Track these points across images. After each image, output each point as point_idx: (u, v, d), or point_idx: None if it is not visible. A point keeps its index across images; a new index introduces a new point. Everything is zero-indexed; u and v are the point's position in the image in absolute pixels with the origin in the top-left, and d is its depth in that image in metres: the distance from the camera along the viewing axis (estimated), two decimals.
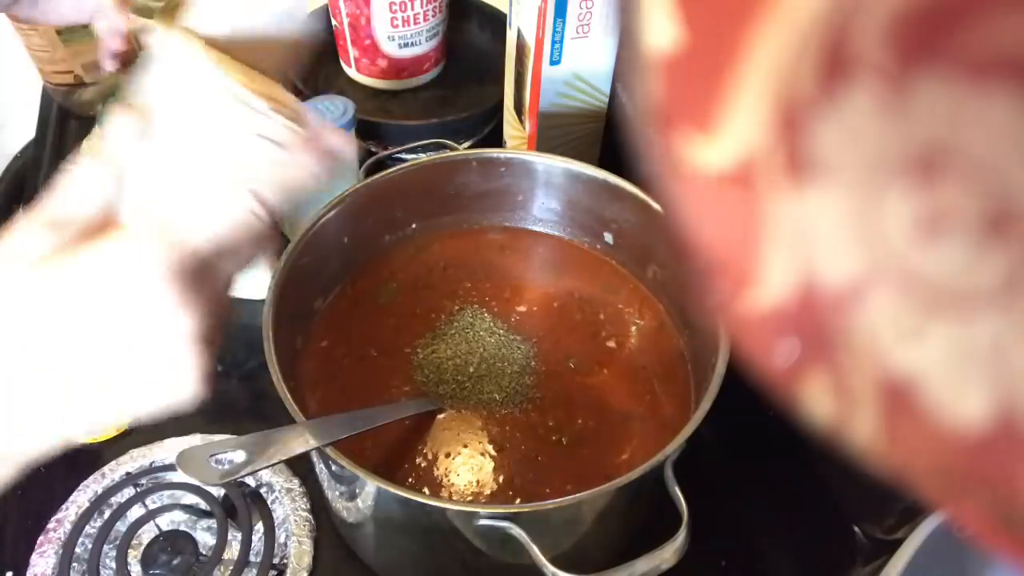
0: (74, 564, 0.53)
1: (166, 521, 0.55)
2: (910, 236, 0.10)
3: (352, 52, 0.82)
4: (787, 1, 0.10)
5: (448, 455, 0.52)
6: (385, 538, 0.51)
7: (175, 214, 0.31)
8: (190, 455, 0.38)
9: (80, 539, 0.54)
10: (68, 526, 0.54)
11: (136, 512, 0.55)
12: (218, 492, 0.56)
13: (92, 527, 0.54)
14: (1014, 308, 0.10)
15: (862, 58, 0.10)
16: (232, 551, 0.53)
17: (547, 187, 0.63)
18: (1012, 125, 0.09)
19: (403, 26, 0.78)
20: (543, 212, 0.65)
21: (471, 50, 0.90)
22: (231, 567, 0.52)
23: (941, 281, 0.10)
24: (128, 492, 0.56)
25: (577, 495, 0.41)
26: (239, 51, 0.34)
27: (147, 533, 0.54)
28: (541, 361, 0.57)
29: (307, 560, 0.53)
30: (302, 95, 0.73)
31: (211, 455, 0.39)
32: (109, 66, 0.73)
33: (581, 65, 0.66)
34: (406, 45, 0.80)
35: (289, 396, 0.44)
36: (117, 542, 0.54)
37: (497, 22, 0.86)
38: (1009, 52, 0.09)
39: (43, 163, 0.83)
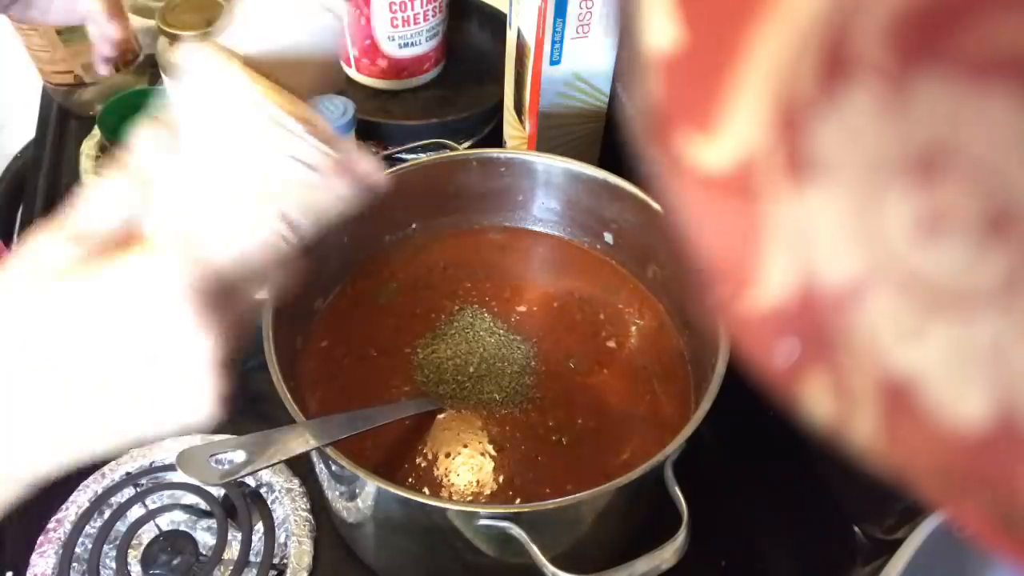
0: (74, 564, 0.53)
1: (166, 521, 0.55)
2: (910, 236, 0.10)
3: (352, 52, 0.82)
4: (787, 1, 0.10)
5: (448, 455, 0.52)
6: (385, 538, 0.51)
7: (201, 230, 0.31)
8: (190, 455, 0.38)
9: (80, 539, 0.54)
10: (68, 526, 0.54)
11: (136, 512, 0.55)
12: (218, 492, 0.56)
13: (92, 527, 0.54)
14: (1014, 308, 0.10)
15: (862, 58, 0.10)
16: (232, 551, 0.53)
17: (547, 187, 0.63)
18: (1012, 125, 0.09)
19: (403, 26, 0.78)
20: (543, 212, 0.65)
21: (471, 50, 0.90)
22: (231, 567, 0.52)
23: (941, 281, 0.10)
24: (128, 492, 0.56)
25: (577, 495, 0.41)
26: (273, 69, 0.33)
27: (147, 533, 0.54)
28: (541, 361, 0.57)
29: (307, 560, 0.53)
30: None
31: (211, 455, 0.39)
32: (102, 70, 0.73)
33: (581, 65, 0.66)
34: (406, 45, 0.80)
35: (289, 396, 0.44)
36: (117, 542, 0.54)
37: (497, 22, 0.86)
38: (1009, 52, 0.09)
39: (43, 163, 0.83)
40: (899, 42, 0.09)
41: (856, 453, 0.12)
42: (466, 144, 0.80)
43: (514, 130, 0.74)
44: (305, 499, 0.56)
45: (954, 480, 0.11)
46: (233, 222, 0.31)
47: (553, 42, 0.64)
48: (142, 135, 0.32)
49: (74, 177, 0.79)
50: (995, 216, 0.09)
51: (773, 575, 0.56)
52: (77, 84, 0.84)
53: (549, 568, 0.40)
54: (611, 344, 0.59)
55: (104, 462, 0.57)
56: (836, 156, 0.10)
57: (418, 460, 0.52)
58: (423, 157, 0.64)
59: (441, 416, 0.54)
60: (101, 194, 0.31)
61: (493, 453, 0.52)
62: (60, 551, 0.53)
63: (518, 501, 0.50)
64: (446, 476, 0.51)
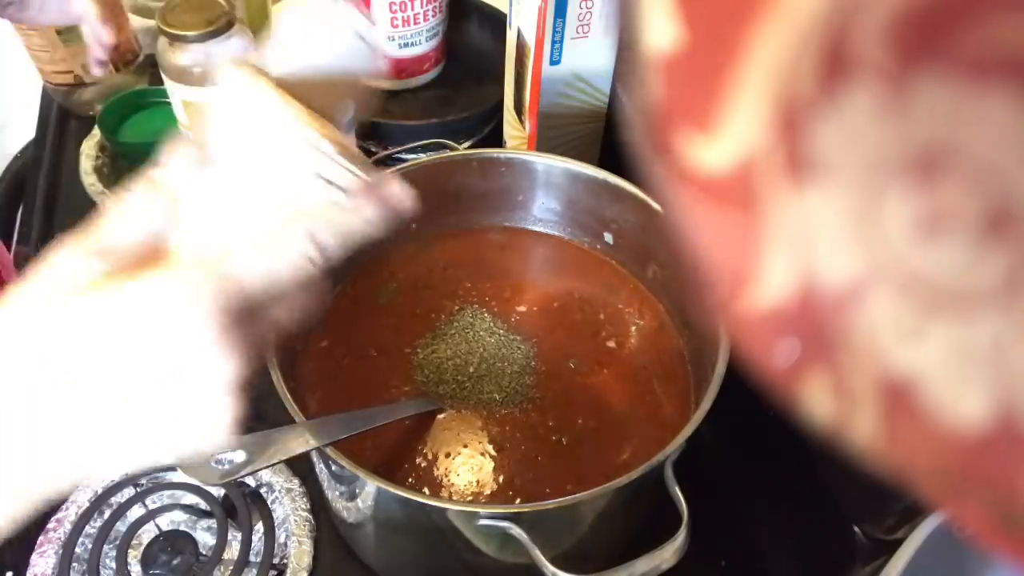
0: (74, 564, 0.53)
1: (166, 521, 0.55)
2: (910, 236, 0.10)
3: None
4: (787, 1, 0.10)
5: (448, 455, 0.52)
6: (385, 538, 0.51)
7: (228, 248, 0.30)
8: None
9: (80, 539, 0.54)
10: (68, 526, 0.54)
11: (136, 512, 0.55)
12: (218, 492, 0.56)
13: (92, 527, 0.54)
14: (1014, 308, 0.10)
15: (862, 58, 0.10)
16: (232, 551, 0.53)
17: (547, 187, 0.63)
18: (1012, 125, 0.09)
19: (403, 26, 0.78)
20: (543, 212, 0.65)
21: (471, 50, 0.90)
22: (231, 567, 0.52)
23: (941, 281, 0.10)
24: (128, 492, 0.56)
25: (577, 495, 0.41)
26: (306, 91, 0.33)
27: (147, 533, 0.54)
28: (541, 361, 0.57)
29: (307, 560, 0.53)
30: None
31: (211, 455, 0.39)
32: (97, 72, 0.73)
33: (581, 65, 0.66)
34: (406, 45, 0.80)
35: (289, 396, 0.44)
36: (117, 542, 0.54)
37: (497, 22, 0.86)
38: (1009, 52, 0.09)
39: (43, 163, 0.83)
40: (899, 42, 0.09)
41: (856, 453, 0.12)
42: (466, 144, 0.80)
43: (514, 130, 0.74)
44: (305, 499, 0.56)
45: (954, 480, 0.11)
46: (261, 241, 0.31)
47: (553, 42, 0.64)
48: (171, 151, 0.32)
49: (74, 177, 0.79)
50: (995, 216, 0.09)
51: (773, 575, 0.56)
52: (77, 84, 0.84)
53: (549, 568, 0.40)
54: (611, 344, 0.59)
55: None
56: (836, 156, 0.10)
57: (418, 460, 0.52)
58: (423, 157, 0.64)
59: (441, 416, 0.54)
60: (126, 209, 0.31)
61: (493, 453, 0.52)
62: (60, 551, 0.53)
63: (518, 501, 0.50)
64: (446, 476, 0.51)
